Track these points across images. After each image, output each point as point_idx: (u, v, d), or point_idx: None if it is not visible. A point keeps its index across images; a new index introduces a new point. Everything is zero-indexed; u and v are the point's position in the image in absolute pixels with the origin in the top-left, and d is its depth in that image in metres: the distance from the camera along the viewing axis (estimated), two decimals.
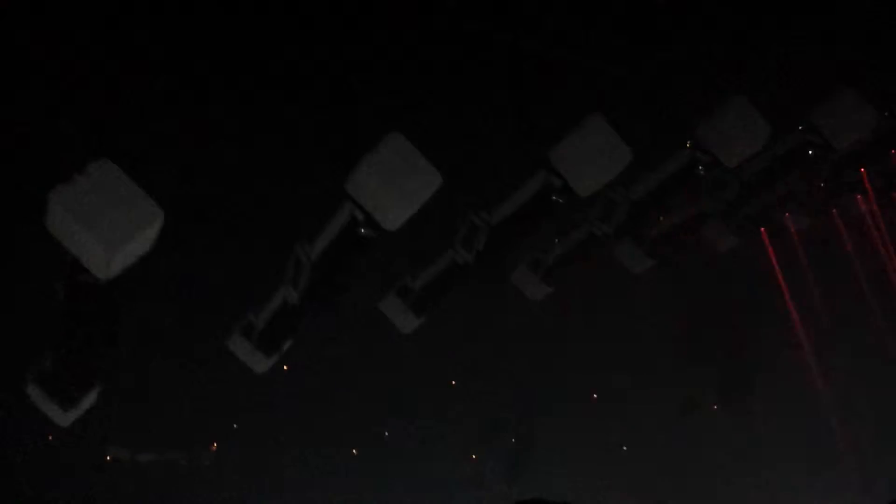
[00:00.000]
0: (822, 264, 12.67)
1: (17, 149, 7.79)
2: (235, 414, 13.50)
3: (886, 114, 9.28)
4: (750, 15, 8.14)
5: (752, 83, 8.49)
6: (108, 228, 5.70)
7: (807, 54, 8.54)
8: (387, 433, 15.69)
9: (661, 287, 12.04)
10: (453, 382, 14.76)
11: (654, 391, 14.53)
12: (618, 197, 9.59)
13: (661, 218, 10.77)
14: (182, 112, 7.84)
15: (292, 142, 8.38)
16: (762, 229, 11.49)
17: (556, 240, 10.56)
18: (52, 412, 8.62)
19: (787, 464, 14.36)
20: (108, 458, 13.61)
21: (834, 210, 11.32)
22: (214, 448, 14.63)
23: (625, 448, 15.60)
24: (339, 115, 8.11)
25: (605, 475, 14.35)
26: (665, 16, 7.93)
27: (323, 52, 7.39)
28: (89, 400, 8.72)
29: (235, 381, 10.53)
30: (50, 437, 11.28)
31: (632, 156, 8.17)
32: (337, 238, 8.15)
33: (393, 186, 7.45)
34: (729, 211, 10.74)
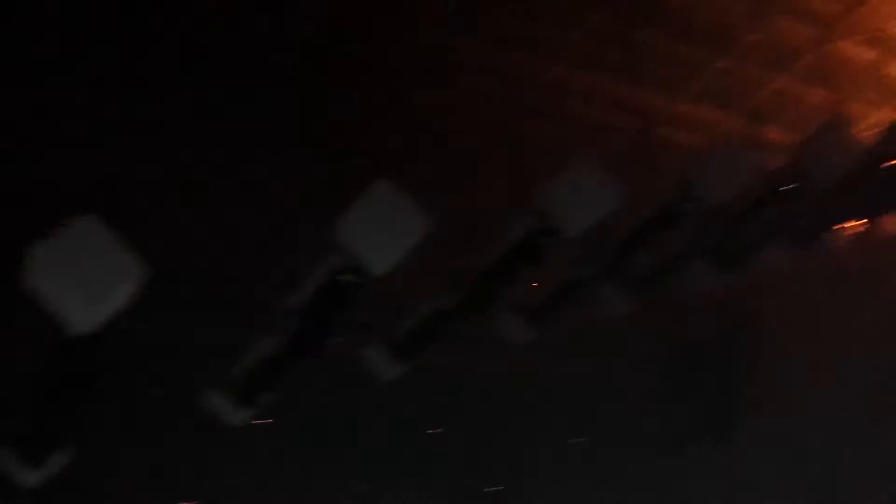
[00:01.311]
0: (806, 304, 12.76)
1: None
2: (211, 472, 13.01)
3: (866, 146, 9.40)
4: (738, 54, 8.21)
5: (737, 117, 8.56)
6: (89, 281, 5.49)
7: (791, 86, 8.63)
8: (365, 485, 15.27)
9: (645, 328, 11.97)
10: (433, 432, 14.48)
11: (638, 432, 14.39)
12: (602, 238, 9.56)
13: (645, 258, 10.75)
14: (168, 169, 7.64)
15: (277, 188, 8.21)
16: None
17: (540, 283, 10.48)
18: (21, 473, 8.21)
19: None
20: None
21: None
22: None
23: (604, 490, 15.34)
24: (327, 165, 7.99)
25: None
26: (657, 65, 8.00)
27: (310, 99, 7.27)
28: (60, 460, 8.33)
29: (211, 437, 10.14)
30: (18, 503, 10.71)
31: (618, 198, 8.16)
32: (321, 285, 7.97)
33: (380, 232, 7.34)
34: (711, 251, 10.75)
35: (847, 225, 11.29)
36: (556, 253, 9.35)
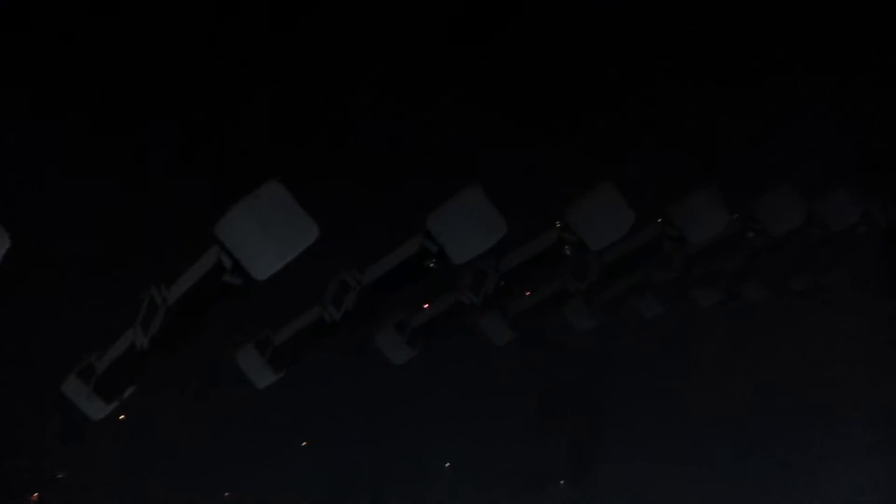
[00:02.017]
0: (672, 351, 13.42)
1: None
2: (63, 462, 12.39)
3: (735, 216, 10.09)
4: (624, 111, 8.70)
5: (620, 173, 9.00)
6: None
7: (670, 153, 9.20)
8: (227, 493, 14.88)
9: (520, 360, 12.29)
10: (305, 443, 14.29)
11: (505, 463, 14.65)
12: (488, 268, 9.81)
13: (528, 293, 11.10)
14: (44, 141, 7.36)
15: (160, 176, 8.02)
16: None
17: (424, 305, 10.61)
18: None
19: None
20: None
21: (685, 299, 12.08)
22: (35, 498, 13.32)
23: None
24: (214, 154, 7.87)
25: None
26: (550, 103, 8.34)
27: (219, 103, 7.20)
28: None
29: (66, 428, 9.71)
30: None
31: (506, 229, 8.40)
32: (198, 283, 7.80)
33: (267, 234, 7.25)
34: (590, 292, 11.20)
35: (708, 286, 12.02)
36: (445, 278, 9.53)
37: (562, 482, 15.61)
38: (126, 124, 7.47)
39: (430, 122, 7.99)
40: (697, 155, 8.94)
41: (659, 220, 9.70)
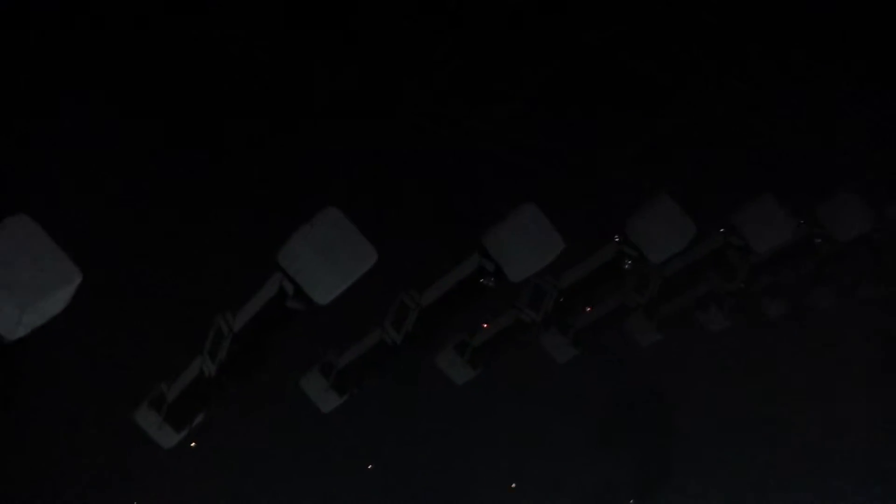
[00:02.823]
0: (740, 364, 13.08)
1: None
2: (137, 493, 12.67)
3: (802, 222, 9.82)
4: (678, 119, 8.59)
5: (679, 183, 8.87)
6: (22, 285, 5.38)
7: (732, 158, 9.02)
8: None
9: (583, 377, 12.14)
10: (370, 466, 14.33)
11: (572, 483, 14.44)
12: (547, 285, 9.75)
13: (587, 309, 10.98)
14: (105, 175, 7.61)
15: (221, 209, 8.22)
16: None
17: (484, 325, 10.59)
18: None
19: None
20: None
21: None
22: None
23: None
24: (272, 184, 8.03)
25: None
26: (598, 116, 8.29)
27: (264, 129, 7.36)
28: None
29: (139, 457, 9.94)
30: None
31: (564, 245, 8.35)
32: (262, 310, 7.95)
33: (327, 260, 7.36)
34: (651, 306, 11.03)
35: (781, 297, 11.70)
36: (503, 297, 9.51)
37: (630, 502, 15.31)
38: (186, 153, 7.69)
39: (482, 137, 8.00)
40: (757, 161, 8.74)
41: (721, 231, 9.50)
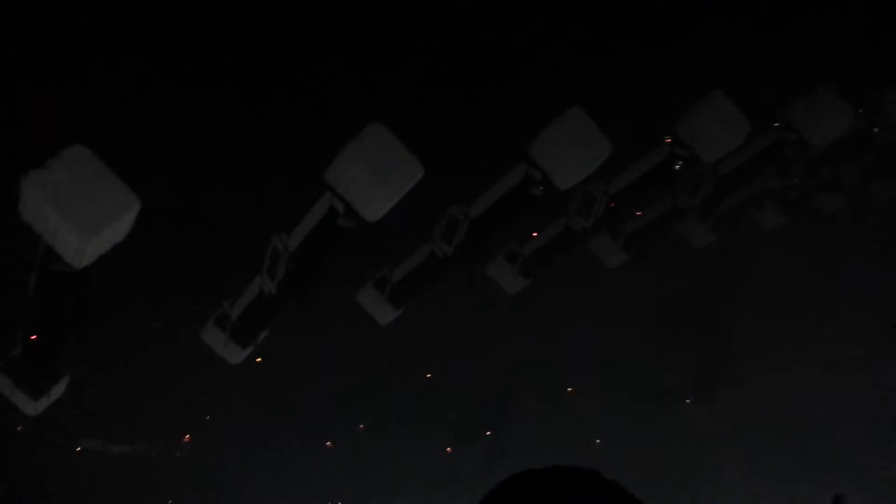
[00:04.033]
0: (797, 261, 12.83)
1: None
2: (209, 406, 13.35)
3: (860, 111, 9.40)
4: (730, 14, 8.20)
5: (731, 80, 8.56)
6: (84, 215, 5.59)
7: (785, 52, 8.63)
8: (362, 426, 15.63)
9: (636, 281, 12.11)
10: (429, 375, 14.73)
11: (629, 385, 14.62)
12: (596, 191, 9.63)
13: (638, 213, 10.84)
14: (159, 105, 7.71)
15: (271, 133, 8.28)
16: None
17: (534, 233, 10.57)
18: (21, 401, 8.45)
19: (763, 458, 14.55)
20: (79, 449, 13.41)
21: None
22: (188, 439, 14.49)
23: (598, 441, 15.70)
24: (319, 105, 8.03)
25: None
26: (647, 14, 7.97)
27: (306, 46, 7.30)
28: (59, 390, 8.58)
29: (209, 373, 10.41)
30: (19, 429, 11.08)
31: (612, 149, 8.21)
32: (315, 229, 8.10)
33: (375, 177, 7.41)
34: (705, 207, 10.82)
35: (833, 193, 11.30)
36: (552, 204, 9.46)
37: (687, 401, 15.49)
38: (233, 86, 7.73)
39: (524, 46, 7.80)
40: (811, 51, 8.32)
41: (776, 125, 9.17)
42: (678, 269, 12.32)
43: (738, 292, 13.21)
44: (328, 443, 15.36)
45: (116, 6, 6.96)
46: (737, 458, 14.59)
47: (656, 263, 11.51)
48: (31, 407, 8.50)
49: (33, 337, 7.81)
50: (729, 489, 14.80)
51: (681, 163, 9.18)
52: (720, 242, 11.28)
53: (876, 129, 9.60)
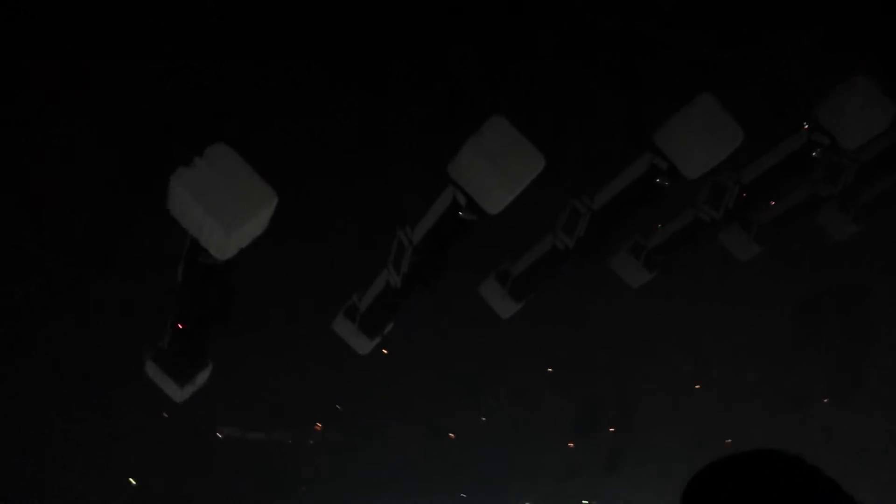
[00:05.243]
0: None
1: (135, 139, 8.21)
2: (338, 395, 13.84)
3: None
4: None
5: (872, 61, 8.02)
6: (227, 209, 5.95)
7: None
8: (483, 418, 15.76)
9: (769, 276, 11.57)
10: (550, 370, 14.66)
11: (762, 383, 14.00)
12: (727, 180, 9.27)
13: (772, 203, 10.35)
14: (281, 99, 8.06)
15: (394, 126, 8.50)
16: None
17: (660, 225, 10.31)
18: (169, 389, 9.07)
19: None
20: (219, 435, 14.23)
21: None
22: (319, 428, 15.08)
23: (729, 441, 15.12)
24: (441, 99, 8.17)
25: None
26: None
27: (430, 39, 7.44)
28: (203, 377, 9.15)
29: (339, 363, 10.81)
30: (165, 415, 11.89)
31: (743, 136, 7.89)
32: (438, 222, 8.25)
33: (496, 169, 7.48)
34: (846, 196, 10.20)
35: None
36: (680, 195, 9.18)
37: (825, 401, 14.65)
38: (356, 85, 7.98)
39: (648, 30, 7.62)
40: None
41: None
42: (816, 263, 11.67)
43: (881, 289, 12.36)
44: (451, 434, 15.58)
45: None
46: (875, 461, 13.68)
47: (792, 257, 10.95)
48: (178, 394, 9.12)
49: (180, 326, 8.37)
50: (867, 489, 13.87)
51: (819, 149, 8.70)
52: (863, 234, 10.60)
53: None
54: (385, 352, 10.94)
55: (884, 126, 8.27)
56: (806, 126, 8.51)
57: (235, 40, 7.55)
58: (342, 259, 10.04)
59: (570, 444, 15.60)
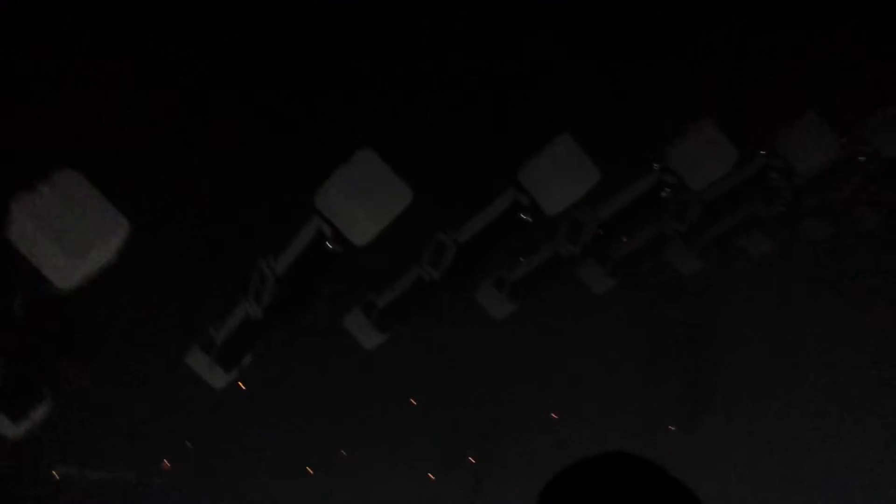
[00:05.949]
0: (783, 288, 12.92)
1: None
2: (190, 432, 13.16)
3: (844, 140, 9.52)
4: (714, 40, 8.31)
5: (718, 107, 8.65)
6: (72, 237, 5.54)
7: (770, 79, 8.75)
8: (344, 452, 15.46)
9: (623, 308, 12.12)
10: (413, 402, 14.62)
11: (616, 411, 14.59)
12: (585, 217, 9.66)
13: (625, 239, 10.87)
14: (146, 128, 7.66)
15: (260, 155, 8.26)
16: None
17: (522, 259, 10.57)
18: (2, 425, 8.29)
19: (750, 482, 14.53)
20: (56, 475, 13.14)
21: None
22: (167, 467, 14.24)
23: None
24: (307, 129, 8.03)
25: None
26: (634, 40, 8.05)
27: (295, 71, 7.30)
28: (40, 413, 8.43)
29: (192, 398, 10.28)
30: None
31: (600, 176, 8.26)
32: (303, 253, 8.06)
33: (363, 202, 7.41)
34: (691, 234, 10.88)
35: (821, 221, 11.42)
36: (539, 230, 9.46)
37: (672, 428, 15.45)
38: (224, 104, 7.70)
39: (514, 72, 7.85)
40: (796, 79, 8.44)
41: (762, 153, 9.28)
42: (665, 297, 12.35)
43: (726, 319, 13.25)
44: (309, 469, 15.16)
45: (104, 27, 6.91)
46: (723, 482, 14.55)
47: (644, 290, 11.53)
48: (13, 430, 8.33)
49: (17, 359, 7.68)
50: None
51: (668, 189, 9.24)
52: (707, 269, 11.32)
53: (862, 158, 9.73)
54: (243, 386, 10.51)
55: (727, 168, 8.93)
56: (657, 167, 9.04)
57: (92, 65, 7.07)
58: (200, 291, 9.58)
59: (432, 477, 15.59)
